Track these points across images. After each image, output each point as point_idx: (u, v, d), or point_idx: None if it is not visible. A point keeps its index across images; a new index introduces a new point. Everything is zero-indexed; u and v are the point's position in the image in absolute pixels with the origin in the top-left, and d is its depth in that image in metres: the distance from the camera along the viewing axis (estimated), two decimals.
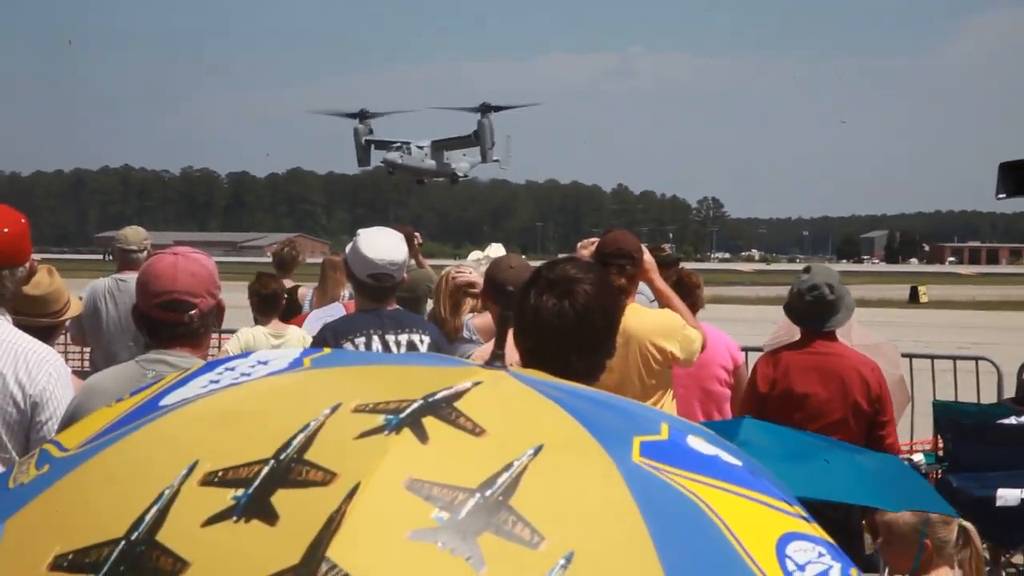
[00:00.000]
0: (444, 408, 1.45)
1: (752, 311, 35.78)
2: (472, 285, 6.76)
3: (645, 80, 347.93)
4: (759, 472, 1.58)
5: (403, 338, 5.32)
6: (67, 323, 5.68)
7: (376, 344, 5.23)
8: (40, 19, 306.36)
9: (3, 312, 3.98)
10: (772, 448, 4.45)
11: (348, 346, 5.14)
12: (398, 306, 5.54)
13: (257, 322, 7.86)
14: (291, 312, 8.75)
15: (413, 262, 9.32)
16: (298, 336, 7.44)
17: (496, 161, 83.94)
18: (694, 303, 6.73)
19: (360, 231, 5.53)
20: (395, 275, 5.37)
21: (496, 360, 1.64)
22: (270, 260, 10.46)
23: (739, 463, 1.56)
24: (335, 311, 6.68)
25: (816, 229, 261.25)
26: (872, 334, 8.42)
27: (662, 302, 5.63)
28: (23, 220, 4.07)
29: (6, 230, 3.95)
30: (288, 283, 9.38)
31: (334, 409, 1.46)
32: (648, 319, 5.39)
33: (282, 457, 1.39)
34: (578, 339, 3.06)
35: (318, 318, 6.83)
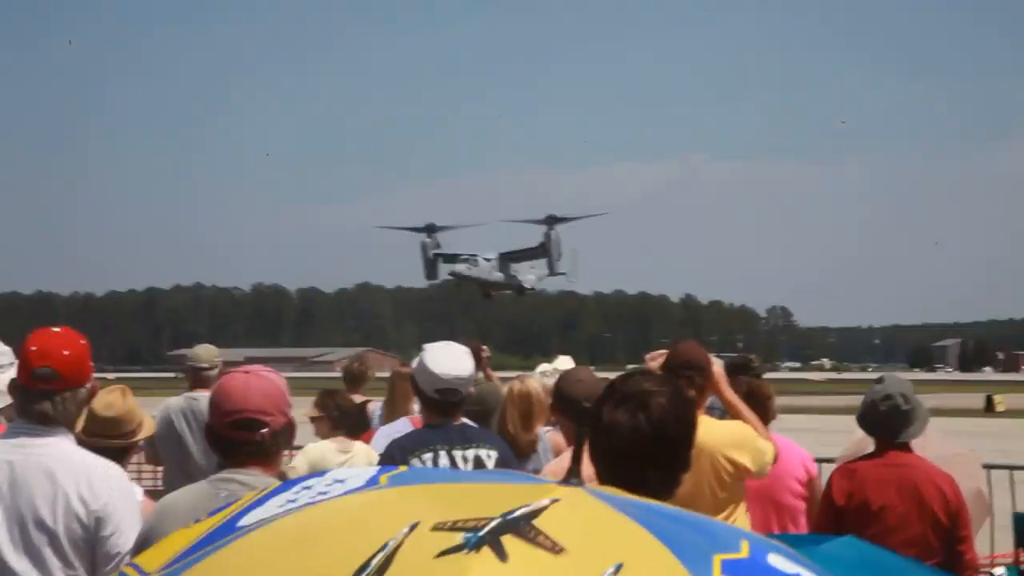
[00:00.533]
0: (523, 526, 1.44)
1: (824, 421, 35.31)
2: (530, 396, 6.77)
3: (710, 188, 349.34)
4: None
5: (470, 453, 5.29)
6: (140, 443, 5.71)
7: (443, 459, 5.21)
8: (113, 150, 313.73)
9: (67, 433, 4.03)
10: (860, 567, 4.34)
11: (415, 462, 5.12)
12: (466, 420, 5.52)
13: (323, 437, 7.85)
14: (361, 427, 8.75)
15: (481, 375, 9.33)
16: (364, 452, 7.43)
17: (563, 274, 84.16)
18: (765, 414, 6.65)
19: (426, 346, 5.52)
20: (462, 390, 5.35)
21: (572, 476, 1.64)
22: (340, 375, 10.46)
23: None
24: (402, 427, 6.67)
25: (887, 337, 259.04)
26: (952, 444, 8.27)
27: (732, 413, 5.57)
28: (83, 341, 4.13)
29: (67, 352, 4.02)
30: (358, 398, 9.39)
31: (412, 528, 1.46)
32: (719, 431, 5.32)
33: None
34: (654, 452, 3.04)
35: (385, 435, 6.82)
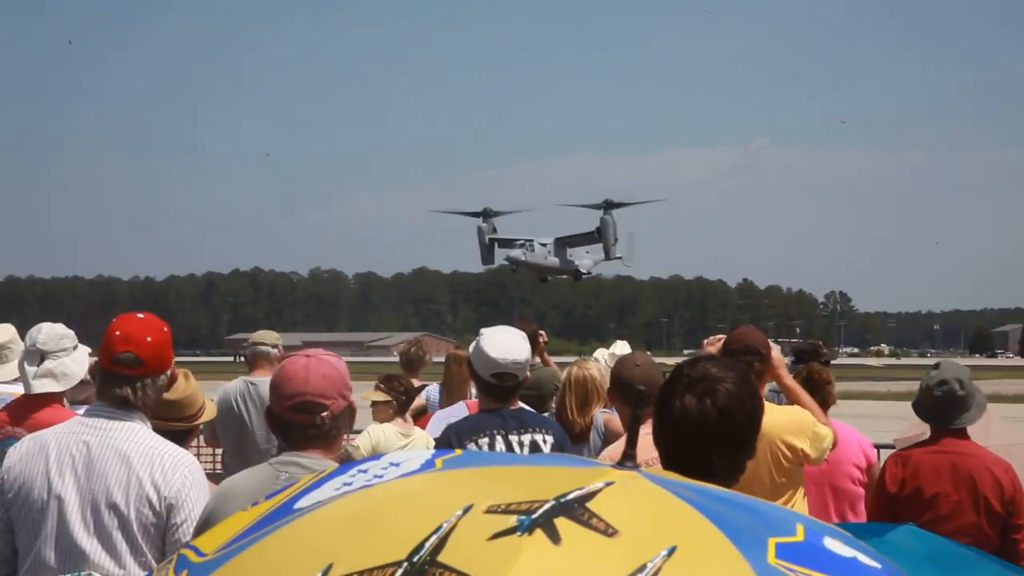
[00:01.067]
0: (576, 508, 1.45)
1: (882, 407, 35.08)
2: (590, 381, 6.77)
3: (769, 172, 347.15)
4: (899, 575, 1.54)
5: (526, 438, 5.28)
6: (201, 427, 5.77)
7: (499, 444, 5.21)
8: (171, 136, 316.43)
9: (143, 418, 4.06)
10: (920, 556, 4.30)
11: (471, 446, 5.12)
12: (522, 405, 5.52)
13: (383, 420, 7.89)
14: (420, 411, 8.79)
15: (538, 360, 9.33)
16: (423, 437, 7.46)
17: (619, 258, 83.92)
18: (824, 399, 6.61)
19: (483, 330, 5.51)
20: (518, 374, 5.34)
21: (627, 460, 1.64)
22: (397, 360, 10.50)
23: (878, 566, 1.52)
24: (458, 411, 6.69)
25: (947, 323, 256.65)
26: (1014, 431, 8.19)
27: (791, 399, 5.54)
28: (166, 329, 4.16)
29: (149, 339, 4.05)
30: (415, 382, 9.43)
31: (466, 510, 1.46)
32: (778, 416, 5.29)
33: (415, 559, 1.40)
34: (720, 439, 3.02)
35: (442, 419, 6.85)
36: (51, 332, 5.59)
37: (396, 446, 7.41)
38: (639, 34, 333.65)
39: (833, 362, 8.24)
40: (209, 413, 5.48)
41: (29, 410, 5.65)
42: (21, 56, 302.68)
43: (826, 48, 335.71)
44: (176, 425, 5.13)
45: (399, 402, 7.80)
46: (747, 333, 5.49)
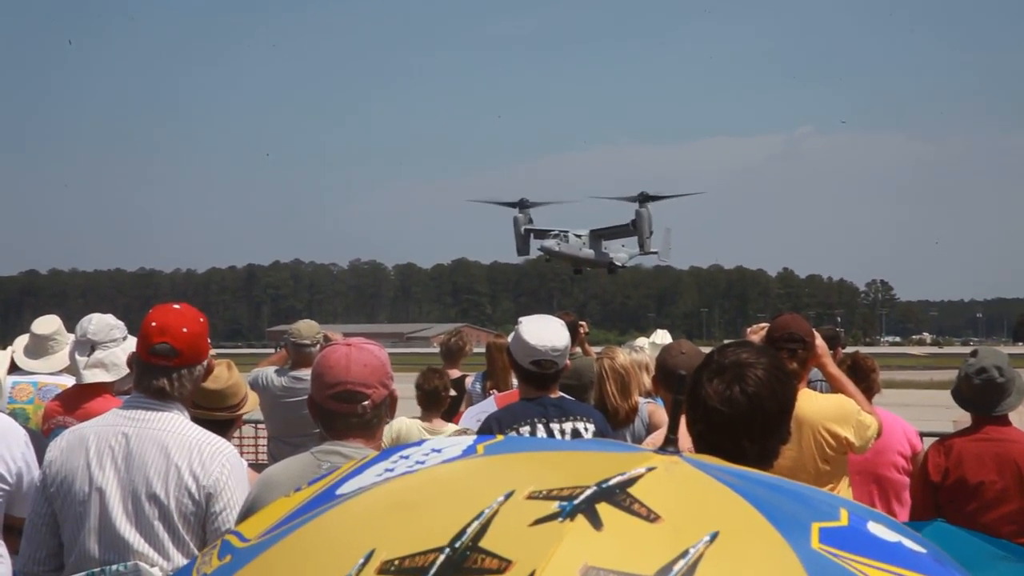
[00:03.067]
0: (618, 494, 1.44)
1: (925, 395, 34.89)
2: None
3: (809, 161, 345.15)
4: (945, 561, 1.53)
5: (567, 426, 5.27)
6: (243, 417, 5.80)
7: (540, 432, 5.19)
8: (213, 128, 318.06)
9: (181, 408, 4.08)
10: (958, 553, 4.26)
11: (512, 435, 5.12)
12: (562, 394, 5.51)
13: (422, 417, 7.85)
14: (459, 402, 8.79)
15: (578, 350, 9.32)
16: (451, 431, 7.43)
17: (654, 253, 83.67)
18: (869, 388, 6.58)
19: (522, 319, 5.51)
20: (558, 361, 5.33)
21: (669, 445, 1.63)
22: (437, 351, 10.52)
23: (923, 550, 1.51)
24: (488, 406, 6.68)
25: (990, 311, 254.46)
26: None
27: (835, 387, 5.51)
28: (202, 319, 4.18)
29: (185, 329, 4.06)
30: (455, 373, 9.44)
31: (508, 496, 1.46)
32: (822, 404, 5.26)
33: (457, 545, 1.40)
34: (750, 424, 3.02)
35: (472, 416, 6.86)
36: (101, 323, 5.63)
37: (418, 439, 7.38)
38: (680, 25, 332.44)
39: (875, 351, 8.20)
40: (252, 404, 5.50)
41: (80, 400, 5.71)
42: (81, 54, 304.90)
43: (868, 36, 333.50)
44: (218, 415, 5.16)
45: (448, 400, 7.71)
46: (791, 321, 5.45)
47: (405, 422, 7.59)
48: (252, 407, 5.65)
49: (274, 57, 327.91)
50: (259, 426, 15.05)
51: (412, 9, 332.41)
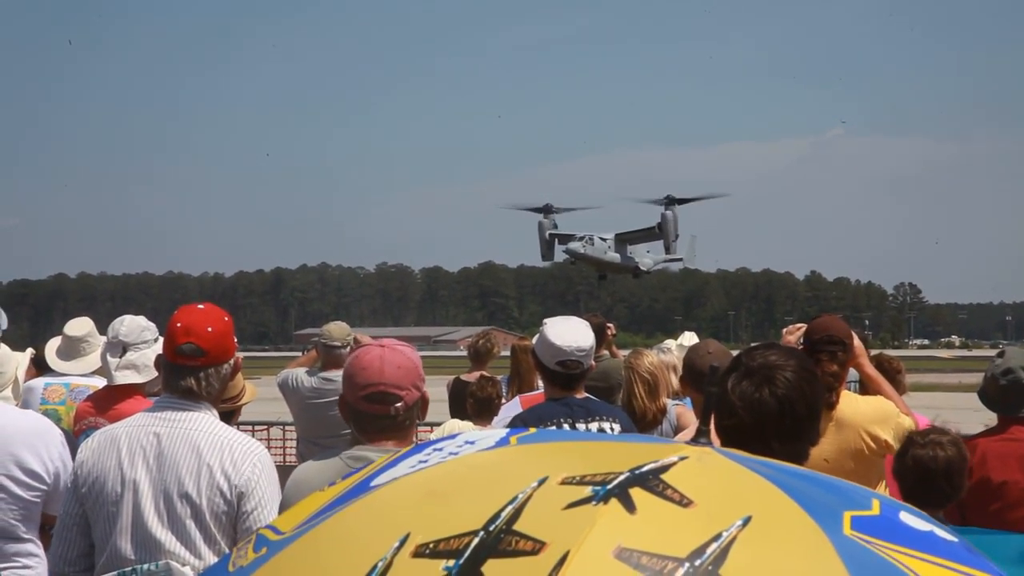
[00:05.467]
0: (651, 480, 1.46)
1: (954, 398, 34.72)
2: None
3: (837, 164, 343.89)
4: (976, 551, 1.54)
5: (593, 426, 5.26)
6: (242, 409, 5.86)
7: None
8: (240, 133, 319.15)
9: (209, 407, 4.10)
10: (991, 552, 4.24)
11: (544, 428, 5.12)
12: (588, 395, 5.51)
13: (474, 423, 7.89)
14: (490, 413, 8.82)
15: (605, 352, 9.32)
16: None
17: (679, 259, 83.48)
18: (897, 388, 6.56)
19: (546, 320, 5.53)
20: (583, 362, 5.33)
21: (701, 436, 1.64)
22: (464, 354, 10.54)
23: (955, 540, 1.52)
24: (513, 408, 6.71)
25: (1019, 314, 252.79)
26: None
27: (874, 388, 5.48)
28: (227, 319, 4.20)
29: (210, 329, 4.08)
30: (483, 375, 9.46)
31: (541, 482, 1.48)
32: (863, 407, 5.25)
33: (491, 528, 1.41)
34: (779, 427, 3.02)
35: (498, 418, 6.89)
36: (133, 324, 5.68)
37: None
38: (706, 26, 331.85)
39: (903, 354, 8.19)
40: (250, 395, 5.55)
41: (112, 401, 5.75)
42: (101, 56, 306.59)
43: (892, 40, 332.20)
44: (218, 407, 5.21)
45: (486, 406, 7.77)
46: (829, 322, 5.42)
47: (459, 423, 7.61)
48: (251, 398, 5.70)
49: (306, 59, 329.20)
50: (287, 428, 15.10)
51: (440, 10, 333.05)
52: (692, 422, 6.28)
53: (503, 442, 1.69)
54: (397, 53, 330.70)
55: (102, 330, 6.11)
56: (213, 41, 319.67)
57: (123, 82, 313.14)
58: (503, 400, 8.43)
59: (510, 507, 1.43)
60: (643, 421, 6.70)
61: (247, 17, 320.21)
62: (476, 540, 1.40)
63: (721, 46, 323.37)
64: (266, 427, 16.85)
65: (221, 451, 3.96)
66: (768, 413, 3.01)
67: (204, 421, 4.03)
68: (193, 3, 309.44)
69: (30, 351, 7.01)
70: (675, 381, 7.40)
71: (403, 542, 1.43)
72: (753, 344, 3.67)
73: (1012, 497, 5.77)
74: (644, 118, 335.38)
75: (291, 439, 14.19)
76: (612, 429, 5.31)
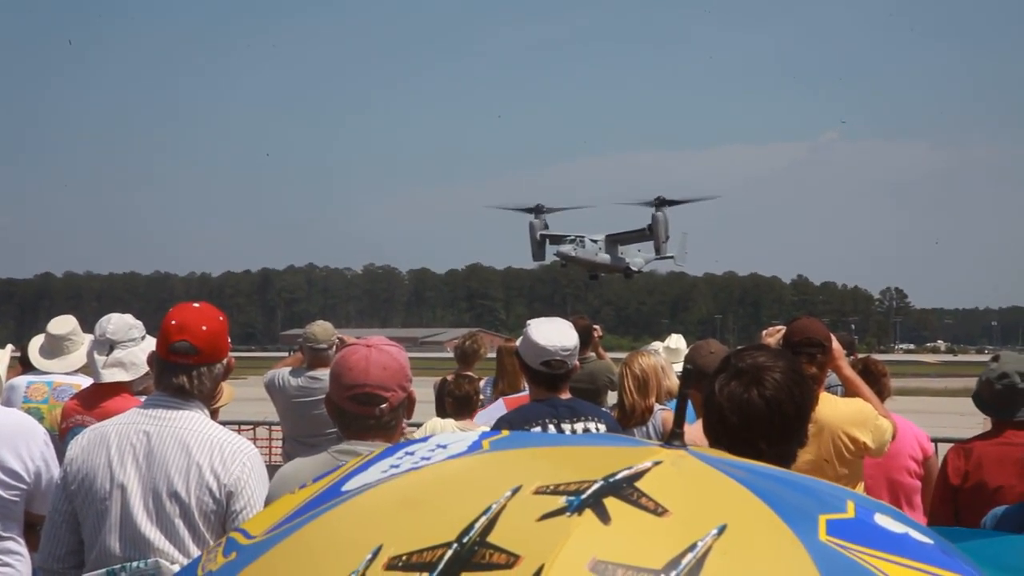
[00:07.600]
0: (625, 488, 1.44)
1: (939, 403, 34.84)
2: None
3: (825, 169, 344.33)
4: (951, 552, 1.53)
5: (578, 426, 5.28)
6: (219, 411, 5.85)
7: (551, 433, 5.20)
8: (227, 133, 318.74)
9: (201, 406, 4.10)
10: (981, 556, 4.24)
11: (518, 431, 5.12)
12: (573, 396, 5.51)
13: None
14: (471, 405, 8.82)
15: (592, 355, 9.32)
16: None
17: (671, 257, 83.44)
18: (880, 392, 6.58)
19: (530, 321, 5.55)
20: (568, 361, 5.35)
21: (674, 439, 1.63)
22: (451, 355, 10.55)
23: (930, 541, 1.51)
24: (497, 409, 6.72)
25: (1006, 319, 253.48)
26: None
27: (850, 390, 5.51)
28: (221, 318, 4.20)
29: (205, 327, 4.08)
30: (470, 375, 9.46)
31: (515, 491, 1.46)
32: (841, 408, 5.27)
33: (465, 540, 1.40)
34: (768, 428, 3.02)
35: (482, 419, 6.90)
36: (120, 322, 5.67)
37: None
38: (700, 30, 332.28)
39: (889, 358, 8.22)
40: (227, 396, 5.53)
41: (99, 399, 5.74)
42: (94, 56, 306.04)
43: (882, 44, 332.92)
44: None
45: (465, 403, 7.81)
46: (808, 325, 5.45)
47: (439, 422, 7.64)
48: (228, 400, 5.69)
49: (290, 59, 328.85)
50: (274, 428, 15.09)
51: (429, 12, 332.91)
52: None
53: (475, 446, 1.68)
54: (386, 57, 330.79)
55: (88, 329, 6.09)
56: (207, 43, 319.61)
57: (110, 83, 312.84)
58: (481, 397, 8.43)
59: (484, 518, 1.41)
60: (631, 416, 6.78)
61: (248, 17, 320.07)
62: (450, 552, 1.38)
63: (712, 50, 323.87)
64: (252, 427, 16.85)
65: (211, 450, 3.96)
66: (756, 414, 3.01)
67: (194, 420, 4.02)
68: (194, 3, 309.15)
69: (10, 347, 6.99)
70: (668, 381, 7.48)
71: (376, 554, 1.42)
72: (740, 347, 3.67)
73: (1008, 501, 5.77)
74: (640, 121, 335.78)
75: (277, 439, 14.18)
76: (598, 429, 5.32)
